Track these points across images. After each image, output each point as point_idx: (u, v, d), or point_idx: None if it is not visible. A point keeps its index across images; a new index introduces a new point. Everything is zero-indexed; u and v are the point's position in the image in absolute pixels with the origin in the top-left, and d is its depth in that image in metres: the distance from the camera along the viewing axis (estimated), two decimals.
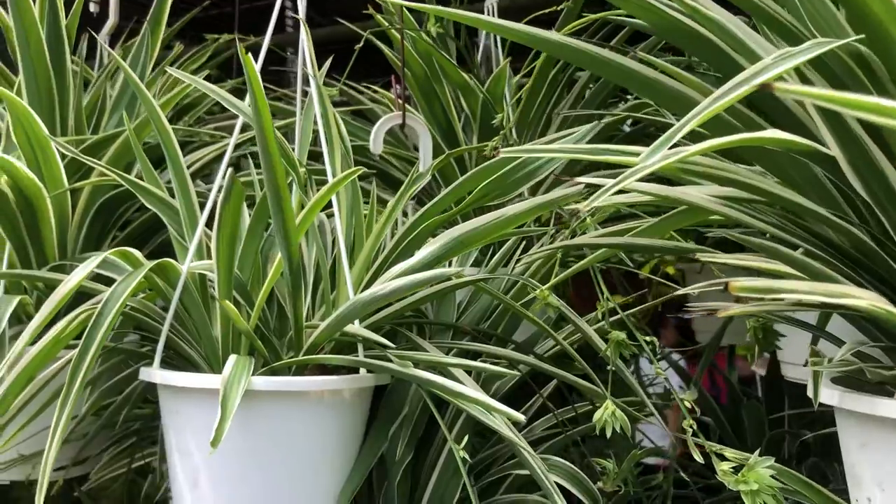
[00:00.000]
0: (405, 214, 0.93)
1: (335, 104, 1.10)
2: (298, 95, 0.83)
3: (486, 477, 0.83)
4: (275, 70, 2.03)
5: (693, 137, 0.48)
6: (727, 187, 0.56)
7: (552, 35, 0.57)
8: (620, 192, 0.46)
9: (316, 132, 0.85)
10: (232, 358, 0.66)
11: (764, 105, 0.56)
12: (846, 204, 0.55)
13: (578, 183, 0.57)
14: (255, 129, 0.59)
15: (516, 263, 0.84)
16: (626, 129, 1.19)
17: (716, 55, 0.53)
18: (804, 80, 0.50)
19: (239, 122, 0.75)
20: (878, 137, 0.49)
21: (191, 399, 0.69)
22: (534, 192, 0.90)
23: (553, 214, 0.79)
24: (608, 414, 0.66)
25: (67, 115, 0.93)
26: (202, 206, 0.77)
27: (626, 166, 0.47)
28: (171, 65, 1.26)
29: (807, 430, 1.31)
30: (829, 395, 0.52)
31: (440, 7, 0.66)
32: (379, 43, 1.07)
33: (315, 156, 0.99)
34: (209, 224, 0.76)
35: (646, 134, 1.21)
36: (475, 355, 0.79)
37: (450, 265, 0.81)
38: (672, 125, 1.02)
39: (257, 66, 0.69)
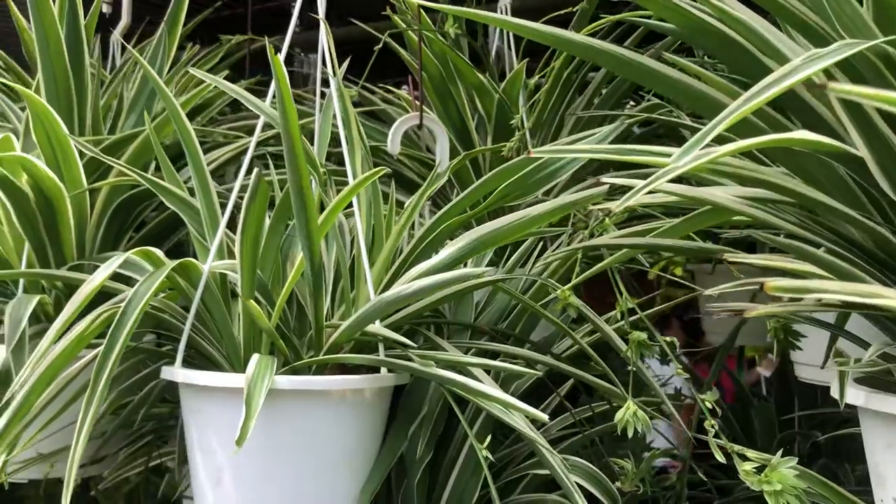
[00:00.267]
0: (421, 215, 0.93)
1: None
2: (317, 96, 0.83)
3: (503, 477, 0.83)
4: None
5: (716, 139, 0.48)
6: (752, 188, 0.57)
7: (578, 36, 0.57)
8: (649, 192, 0.46)
9: (334, 132, 0.86)
10: (255, 357, 0.66)
11: (789, 105, 0.56)
12: (870, 204, 0.55)
13: (604, 183, 0.57)
14: (282, 129, 0.60)
15: (534, 264, 0.84)
16: (635, 130, 1.19)
17: (742, 56, 0.53)
18: (832, 80, 0.51)
19: (260, 122, 0.76)
20: None
21: (213, 398, 0.69)
22: (545, 193, 0.90)
23: (572, 216, 0.80)
24: (630, 414, 0.66)
25: (85, 115, 0.93)
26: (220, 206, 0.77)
27: (656, 167, 0.47)
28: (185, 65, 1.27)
29: (817, 432, 1.31)
30: (855, 395, 0.53)
31: (463, 8, 0.66)
32: (394, 44, 1.07)
33: (329, 155, 0.99)
34: (229, 224, 0.76)
35: (656, 135, 1.22)
36: (493, 355, 0.79)
37: (463, 266, 0.81)
38: (684, 125, 1.02)
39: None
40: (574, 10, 1.02)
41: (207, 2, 1.45)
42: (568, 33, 0.57)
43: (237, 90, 0.78)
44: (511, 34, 1.15)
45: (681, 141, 1.13)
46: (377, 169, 0.69)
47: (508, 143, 0.87)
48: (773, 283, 0.40)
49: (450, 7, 0.71)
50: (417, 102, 0.87)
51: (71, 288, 0.91)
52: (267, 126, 0.82)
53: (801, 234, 0.55)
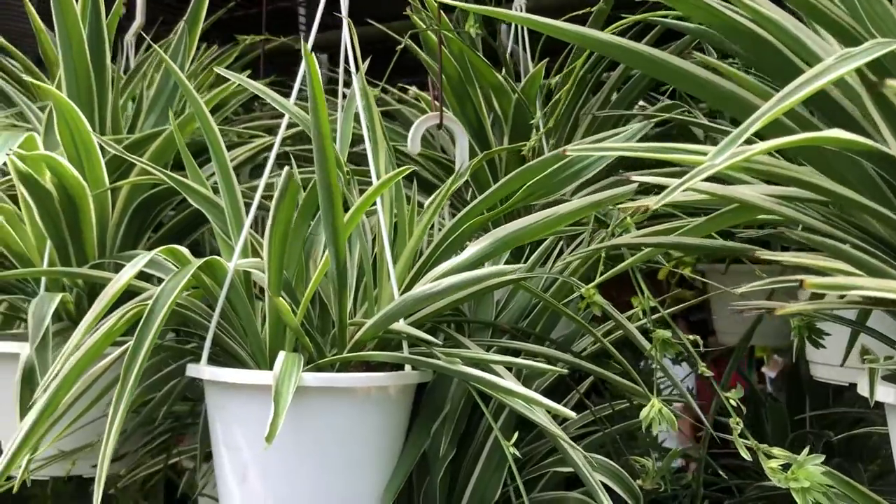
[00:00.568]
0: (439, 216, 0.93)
1: None
2: (340, 96, 0.84)
3: (523, 475, 0.83)
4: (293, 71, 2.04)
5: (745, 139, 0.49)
6: (780, 186, 0.57)
7: (606, 35, 0.58)
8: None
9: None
10: (282, 354, 0.66)
11: (817, 103, 0.57)
12: None
13: (633, 181, 0.58)
14: (312, 127, 0.60)
15: (554, 262, 0.84)
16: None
17: (773, 56, 0.53)
18: (864, 80, 0.51)
19: (284, 121, 0.76)
20: None
21: (240, 395, 0.70)
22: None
23: (592, 215, 0.80)
24: (655, 411, 0.66)
25: (105, 114, 0.94)
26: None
27: (691, 165, 0.47)
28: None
29: (829, 431, 1.31)
30: (886, 392, 0.53)
31: (486, 7, 0.67)
32: (413, 45, 1.08)
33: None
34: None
35: (669, 135, 1.22)
36: (514, 353, 0.79)
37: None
38: (700, 125, 1.02)
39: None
40: (590, 10, 1.03)
41: (220, 2, 1.45)
42: (596, 32, 0.57)
43: (264, 89, 0.79)
44: (526, 36, 1.15)
45: (694, 140, 1.14)
46: (403, 168, 0.70)
47: (529, 143, 0.87)
48: (812, 279, 0.40)
49: (473, 6, 0.71)
50: (436, 103, 0.87)
51: (92, 286, 0.91)
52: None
53: (830, 231, 0.55)
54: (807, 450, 0.60)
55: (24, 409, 0.79)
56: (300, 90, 0.77)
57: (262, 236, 0.81)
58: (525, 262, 0.88)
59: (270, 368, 0.66)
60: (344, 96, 0.86)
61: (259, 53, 1.43)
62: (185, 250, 0.72)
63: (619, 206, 0.64)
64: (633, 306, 0.77)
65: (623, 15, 0.84)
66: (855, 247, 0.56)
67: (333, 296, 0.74)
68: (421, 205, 0.84)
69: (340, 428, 0.70)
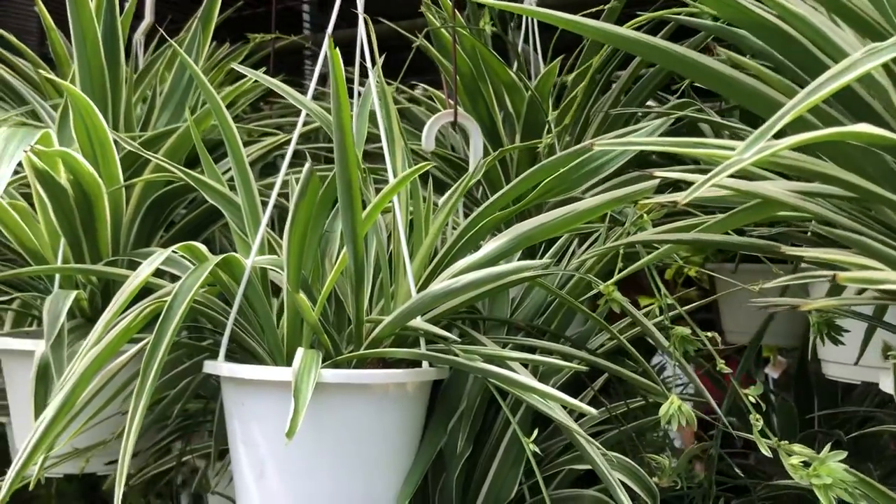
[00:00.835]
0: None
1: None
2: (356, 94, 0.83)
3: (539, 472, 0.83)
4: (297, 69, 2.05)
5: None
6: (803, 182, 0.57)
7: (629, 32, 0.58)
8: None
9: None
10: (300, 351, 0.66)
11: (841, 99, 0.57)
12: None
13: (656, 177, 0.57)
14: (334, 123, 0.60)
15: (569, 261, 0.84)
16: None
17: (800, 53, 0.53)
18: (891, 74, 0.51)
19: (301, 117, 0.76)
20: None
21: (258, 391, 0.69)
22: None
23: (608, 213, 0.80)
24: (675, 408, 0.66)
25: (119, 111, 0.94)
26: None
27: (718, 160, 0.47)
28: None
29: (838, 430, 1.31)
30: None
31: (505, 2, 0.66)
32: (426, 42, 1.07)
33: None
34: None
35: (680, 133, 1.22)
36: (530, 350, 0.79)
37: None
38: (711, 122, 1.02)
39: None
40: (603, 7, 1.02)
41: (230, 1, 1.45)
42: (622, 29, 0.57)
43: (282, 86, 0.79)
44: (536, 34, 1.15)
45: (701, 136, 1.14)
46: (421, 164, 0.70)
47: (543, 140, 0.87)
48: (845, 275, 0.40)
49: (491, 1, 0.71)
50: (450, 101, 0.87)
51: (106, 284, 0.91)
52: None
53: (854, 226, 0.55)
54: (828, 447, 0.60)
55: (38, 407, 0.79)
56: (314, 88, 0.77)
57: (277, 233, 0.81)
58: (540, 259, 0.88)
59: (288, 365, 0.66)
60: (358, 94, 0.86)
61: (268, 52, 1.43)
62: (202, 247, 0.72)
63: (644, 201, 0.64)
64: (640, 305, 0.77)
65: (638, 13, 0.84)
66: (877, 241, 0.56)
67: (351, 292, 0.74)
68: (434, 203, 0.84)
69: (358, 425, 0.70)
